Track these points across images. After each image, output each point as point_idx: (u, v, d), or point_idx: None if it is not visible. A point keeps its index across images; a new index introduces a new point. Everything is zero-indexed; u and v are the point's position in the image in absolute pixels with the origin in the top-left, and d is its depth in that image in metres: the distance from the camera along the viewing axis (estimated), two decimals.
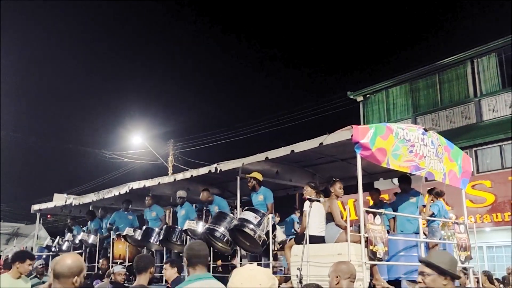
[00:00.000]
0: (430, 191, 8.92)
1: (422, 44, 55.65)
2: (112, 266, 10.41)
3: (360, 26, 68.53)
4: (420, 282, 3.59)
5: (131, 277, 9.43)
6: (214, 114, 69.41)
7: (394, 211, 8.70)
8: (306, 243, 7.83)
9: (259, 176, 9.44)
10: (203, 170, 9.69)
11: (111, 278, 8.92)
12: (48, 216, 28.39)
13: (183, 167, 25.38)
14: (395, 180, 16.27)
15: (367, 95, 22.41)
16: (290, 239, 9.13)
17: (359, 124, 21.04)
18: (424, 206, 8.75)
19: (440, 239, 8.65)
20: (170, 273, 7.01)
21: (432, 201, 8.79)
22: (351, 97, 22.72)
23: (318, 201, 8.52)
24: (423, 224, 8.44)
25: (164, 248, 10.39)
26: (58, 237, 14.21)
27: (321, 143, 7.89)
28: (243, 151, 9.69)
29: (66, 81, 76.48)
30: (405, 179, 8.99)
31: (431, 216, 8.58)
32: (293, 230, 10.87)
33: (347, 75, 61.59)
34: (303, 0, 71.88)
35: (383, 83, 21.95)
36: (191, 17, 79.77)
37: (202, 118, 71.89)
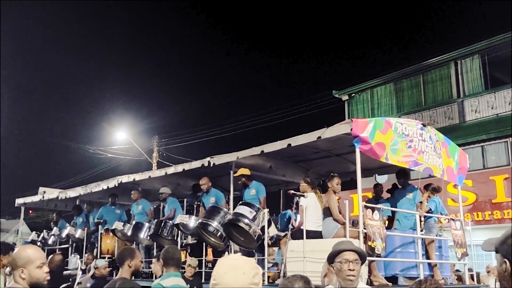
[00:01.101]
0: (426, 187, 8.68)
1: (407, 44, 55.72)
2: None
3: (346, 25, 68.53)
4: (353, 270, 3.59)
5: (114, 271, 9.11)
6: (199, 110, 68.85)
7: (392, 207, 8.45)
8: (289, 239, 7.64)
9: (246, 172, 9.11)
10: (195, 164, 9.33)
11: (94, 273, 8.58)
12: (30, 211, 27.75)
13: (167, 163, 24.93)
14: (379, 178, 16.23)
15: (352, 94, 22.22)
16: (285, 235, 8.83)
17: None
18: (421, 202, 8.51)
19: (436, 235, 8.40)
20: (157, 268, 6.88)
21: (428, 197, 8.54)
22: (337, 96, 22.51)
23: (303, 195, 8.28)
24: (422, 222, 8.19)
25: (154, 243, 9.96)
26: (44, 231, 13.73)
27: (319, 137, 7.62)
28: (227, 148, 9.39)
29: (50, 74, 75.03)
30: (403, 174, 8.74)
31: (428, 212, 8.33)
32: (290, 226, 10.55)
33: (333, 74, 61.48)
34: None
35: (368, 83, 21.79)
36: (177, 10, 78.92)
37: (187, 114, 71.12)
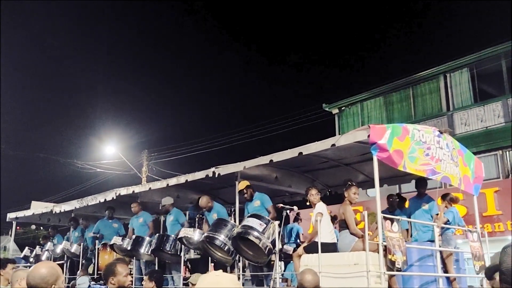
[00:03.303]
0: (444, 197, 8.10)
1: (396, 57, 55.63)
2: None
3: (336, 39, 68.43)
4: None
5: None
6: (189, 125, 67.78)
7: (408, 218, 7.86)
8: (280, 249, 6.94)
9: (248, 183, 8.47)
10: (199, 175, 8.61)
11: None
12: (18, 227, 26.62)
13: (157, 177, 24.13)
14: (370, 192, 15.68)
15: (343, 108, 21.76)
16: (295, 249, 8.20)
17: (335, 135, 20.41)
18: (438, 214, 7.94)
19: (454, 247, 7.81)
20: (147, 286, 6.58)
21: (446, 208, 7.95)
22: (327, 109, 22.02)
23: (292, 208, 7.66)
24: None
25: (156, 258, 9.15)
26: (37, 246, 12.84)
27: (333, 144, 7.01)
28: (216, 162, 8.73)
29: (39, 89, 73.59)
30: (422, 183, 8.16)
31: (445, 223, 7.74)
32: (298, 241, 9.92)
33: (323, 88, 61.17)
34: (281, 13, 71.53)
35: (358, 96, 21.35)
36: (168, 25, 78.21)
37: (177, 129, 70.21)
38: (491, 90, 18.86)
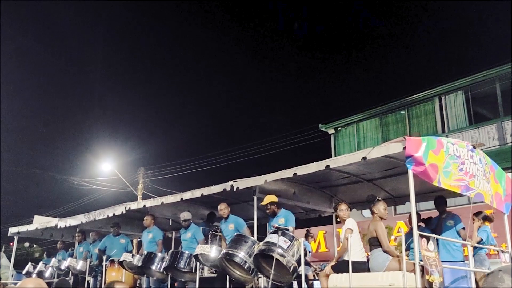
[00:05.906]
0: (477, 215, 7.45)
1: (392, 79, 55.51)
2: None
3: (332, 60, 68.28)
4: None
5: None
6: (185, 142, 66.57)
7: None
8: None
9: (275, 199, 7.77)
10: (216, 189, 7.90)
11: None
12: (11, 243, 25.57)
13: (152, 195, 23.28)
14: (366, 212, 15.02)
15: (339, 128, 21.23)
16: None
17: (331, 156, 19.81)
18: (464, 228, 7.31)
19: (488, 268, 7.14)
20: None
21: (479, 226, 7.30)
22: (323, 129, 21.46)
23: (287, 229, 6.99)
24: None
25: (169, 276, 8.31)
26: (40, 262, 11.90)
27: (364, 157, 6.35)
28: (211, 181, 8.08)
29: (35, 105, 71.86)
30: (442, 200, 7.54)
31: (479, 242, 7.08)
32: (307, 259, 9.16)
33: (319, 108, 60.68)
34: (278, 31, 71.26)
35: (354, 117, 20.86)
36: (164, 40, 77.30)
37: (173, 146, 68.78)
38: (485, 112, 18.48)
